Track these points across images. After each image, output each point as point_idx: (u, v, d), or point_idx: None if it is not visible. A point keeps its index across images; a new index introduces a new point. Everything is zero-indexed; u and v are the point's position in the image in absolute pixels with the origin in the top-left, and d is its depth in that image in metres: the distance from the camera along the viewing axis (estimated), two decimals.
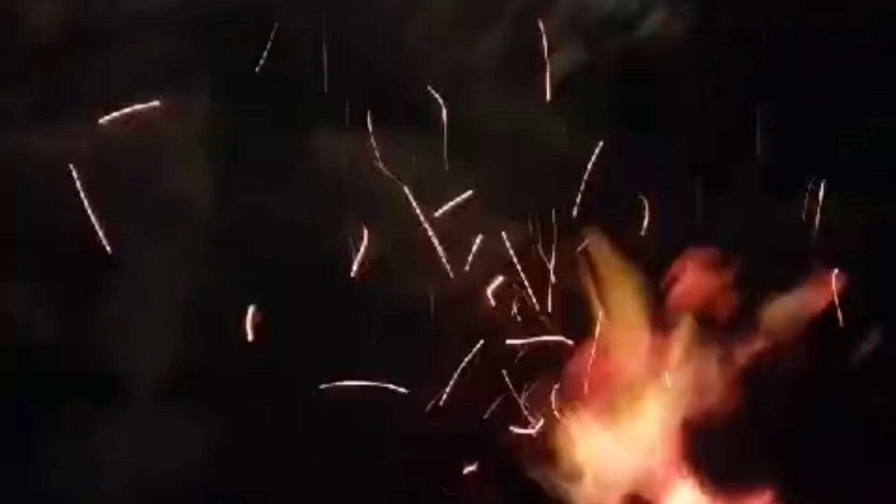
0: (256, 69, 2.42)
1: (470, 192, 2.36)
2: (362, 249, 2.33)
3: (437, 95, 2.43)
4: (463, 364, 2.27)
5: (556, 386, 2.15)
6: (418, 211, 2.40)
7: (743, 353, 2.06)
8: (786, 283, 2.09)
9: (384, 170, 2.39)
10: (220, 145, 2.42)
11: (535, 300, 2.25)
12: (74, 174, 2.31)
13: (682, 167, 2.42)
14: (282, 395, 2.30)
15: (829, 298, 2.04)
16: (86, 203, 2.31)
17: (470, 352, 2.26)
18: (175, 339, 2.34)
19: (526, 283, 2.25)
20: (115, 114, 2.34)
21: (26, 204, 2.34)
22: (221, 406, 2.25)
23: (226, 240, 2.37)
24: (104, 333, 2.34)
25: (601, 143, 2.44)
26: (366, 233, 2.34)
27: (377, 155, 2.39)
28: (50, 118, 2.37)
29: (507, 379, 2.24)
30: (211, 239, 2.37)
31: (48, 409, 2.27)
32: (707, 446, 2.12)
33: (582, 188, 2.40)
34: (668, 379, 2.02)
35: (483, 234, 2.40)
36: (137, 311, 2.33)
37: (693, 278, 2.01)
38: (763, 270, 2.11)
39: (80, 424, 2.28)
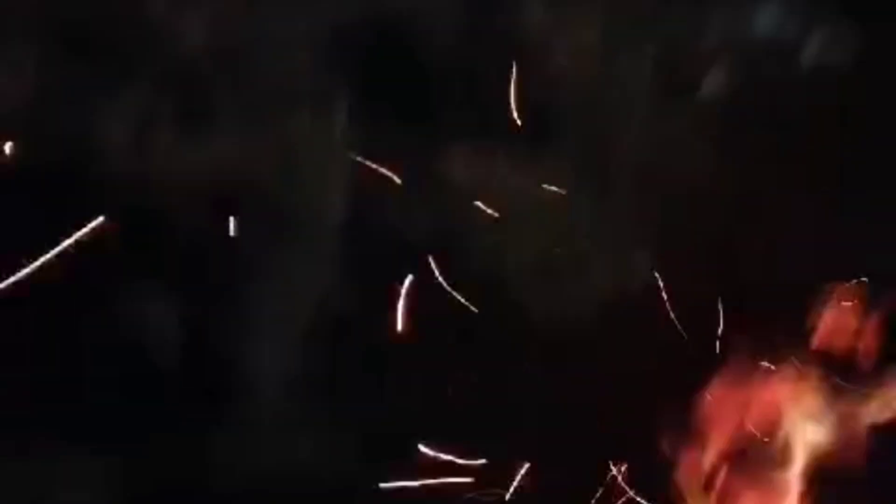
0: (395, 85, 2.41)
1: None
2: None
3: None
4: None
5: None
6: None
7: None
8: None
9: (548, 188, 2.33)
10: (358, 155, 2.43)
11: None
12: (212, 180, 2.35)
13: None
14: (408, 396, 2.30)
15: None
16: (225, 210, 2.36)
17: None
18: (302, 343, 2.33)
19: None
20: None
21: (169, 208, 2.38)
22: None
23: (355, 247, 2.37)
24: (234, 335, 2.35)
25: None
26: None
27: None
28: (195, 128, 2.42)
29: None
30: (342, 245, 2.37)
31: (171, 409, 2.32)
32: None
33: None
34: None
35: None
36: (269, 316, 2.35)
37: (838, 317, 1.85)
38: None
39: (203, 425, 2.31)
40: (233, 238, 2.33)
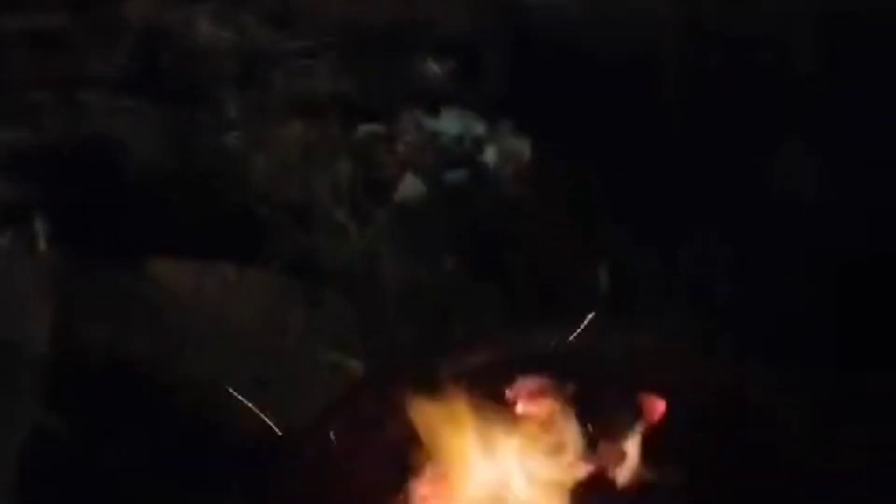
0: None
1: None
2: None
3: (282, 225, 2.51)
4: None
5: None
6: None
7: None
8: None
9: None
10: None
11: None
12: None
13: (523, 293, 2.42)
14: None
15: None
16: None
17: None
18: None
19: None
20: None
21: None
22: None
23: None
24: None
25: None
26: None
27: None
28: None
29: None
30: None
31: None
32: None
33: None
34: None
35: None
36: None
37: (525, 406, 1.84)
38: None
39: None
40: None
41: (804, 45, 2.99)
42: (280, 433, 1.98)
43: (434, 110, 2.76)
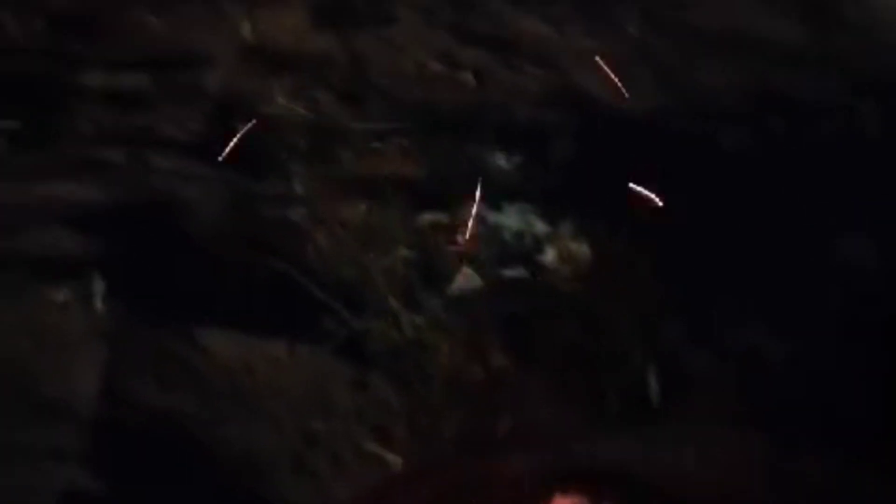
0: None
1: None
2: None
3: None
4: None
5: None
6: None
7: None
8: None
9: None
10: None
11: None
12: None
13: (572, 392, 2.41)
14: None
15: None
16: None
17: None
18: None
19: None
20: None
21: None
22: None
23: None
24: None
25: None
26: None
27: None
28: None
29: None
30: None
31: None
32: None
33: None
34: None
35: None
36: None
37: None
38: None
39: None
40: None
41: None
42: None
43: (497, 205, 2.77)
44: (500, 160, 2.95)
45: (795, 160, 3.01)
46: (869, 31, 3.37)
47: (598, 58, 3.16)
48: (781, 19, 3.41)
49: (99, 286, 2.55)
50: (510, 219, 2.75)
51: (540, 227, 2.73)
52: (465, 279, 2.62)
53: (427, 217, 2.77)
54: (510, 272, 2.66)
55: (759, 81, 3.22)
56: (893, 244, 2.69)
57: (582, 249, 2.67)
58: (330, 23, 3.30)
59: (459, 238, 2.72)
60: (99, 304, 2.52)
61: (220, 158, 2.88)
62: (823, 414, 2.27)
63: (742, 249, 2.71)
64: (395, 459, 2.25)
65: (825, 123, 3.07)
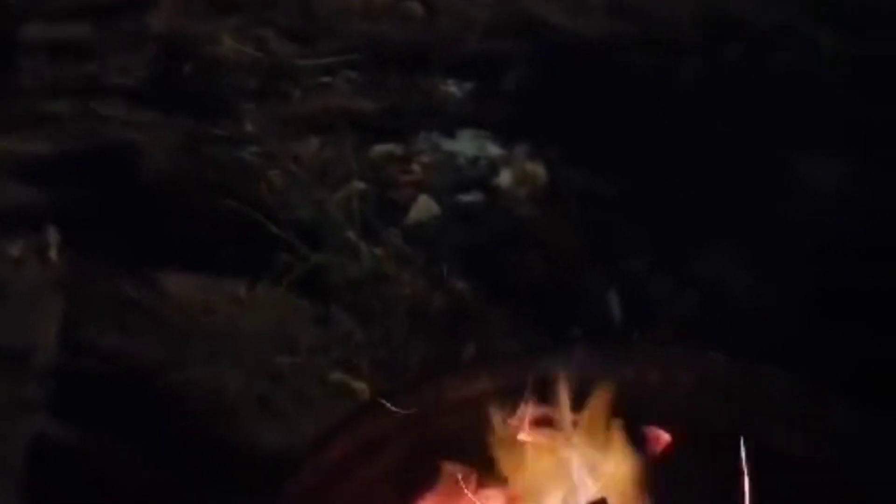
0: None
1: None
2: None
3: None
4: None
5: None
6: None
7: None
8: None
9: None
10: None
11: None
12: None
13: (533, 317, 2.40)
14: None
15: None
16: None
17: None
18: None
19: None
20: None
21: None
22: None
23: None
24: None
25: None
26: None
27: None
28: None
29: None
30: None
31: None
32: None
33: None
34: None
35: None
36: None
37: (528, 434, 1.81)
38: None
39: None
40: None
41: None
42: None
43: (450, 132, 2.76)
44: (452, 88, 2.93)
45: (753, 88, 3.01)
46: None
47: None
48: None
49: (54, 237, 2.52)
50: (464, 145, 2.74)
51: (495, 150, 2.73)
52: (422, 207, 2.61)
53: (380, 149, 2.75)
54: (466, 197, 2.65)
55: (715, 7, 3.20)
56: (857, 171, 2.69)
57: (538, 170, 2.67)
58: None
59: (414, 167, 2.71)
60: (55, 255, 2.50)
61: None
62: (786, 338, 2.29)
63: (702, 178, 2.71)
64: (360, 387, 2.25)
65: (782, 51, 3.06)
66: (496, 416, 1.83)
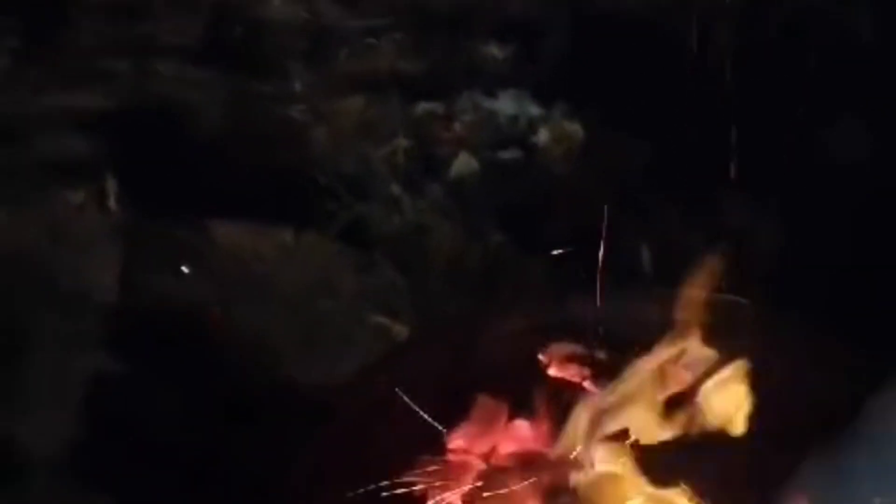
0: None
1: None
2: None
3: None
4: None
5: None
6: None
7: None
8: None
9: None
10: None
11: None
12: None
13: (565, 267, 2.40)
14: None
15: None
16: None
17: None
18: None
19: None
20: None
21: None
22: None
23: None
24: None
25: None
26: None
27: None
28: None
29: None
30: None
31: None
32: None
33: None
34: None
35: None
36: None
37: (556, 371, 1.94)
38: None
39: None
40: None
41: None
42: None
43: (491, 92, 2.86)
44: (494, 50, 3.02)
45: (791, 54, 3.04)
46: None
47: None
48: None
49: (112, 187, 2.64)
50: (504, 104, 2.83)
51: (533, 110, 2.81)
52: (463, 164, 2.70)
53: (423, 107, 2.85)
54: (505, 155, 2.74)
55: None
56: (884, 139, 2.74)
57: (575, 129, 2.75)
58: None
59: (455, 126, 2.80)
60: (113, 203, 2.62)
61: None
62: (809, 286, 2.36)
63: (734, 139, 2.77)
64: (400, 329, 2.35)
65: (823, 18, 3.09)
66: (530, 352, 1.93)
